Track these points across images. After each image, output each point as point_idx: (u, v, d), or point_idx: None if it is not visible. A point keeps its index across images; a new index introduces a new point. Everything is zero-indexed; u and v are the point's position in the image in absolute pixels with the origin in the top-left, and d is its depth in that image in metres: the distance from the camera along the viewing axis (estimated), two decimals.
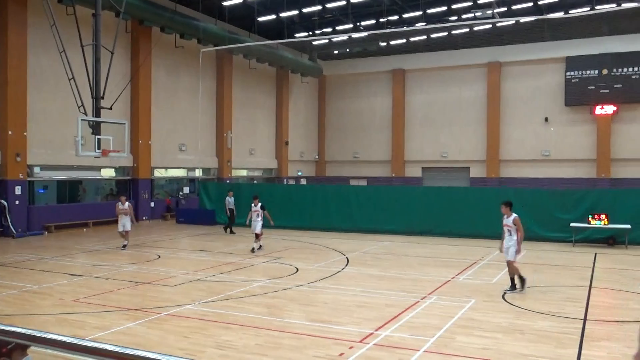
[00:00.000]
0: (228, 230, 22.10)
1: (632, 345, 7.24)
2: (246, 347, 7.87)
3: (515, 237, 11.65)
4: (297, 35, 33.01)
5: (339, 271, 14.08)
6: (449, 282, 12.72)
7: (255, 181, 33.77)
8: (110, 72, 19.45)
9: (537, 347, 7.92)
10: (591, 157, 31.29)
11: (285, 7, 28.72)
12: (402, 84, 35.93)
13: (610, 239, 18.98)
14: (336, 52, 36.72)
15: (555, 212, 19.81)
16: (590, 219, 18.94)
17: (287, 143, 34.86)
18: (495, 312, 9.96)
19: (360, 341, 8.16)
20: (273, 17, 30.23)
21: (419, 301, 10.72)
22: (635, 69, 30.20)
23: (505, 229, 11.88)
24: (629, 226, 18.45)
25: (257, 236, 17.17)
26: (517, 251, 11.60)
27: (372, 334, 8.54)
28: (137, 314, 9.60)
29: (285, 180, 34.60)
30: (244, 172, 33.34)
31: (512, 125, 33.14)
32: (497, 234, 20.08)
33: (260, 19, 30.28)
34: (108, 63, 19.32)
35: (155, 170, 27.55)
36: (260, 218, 17.36)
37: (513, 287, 11.57)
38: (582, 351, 7.80)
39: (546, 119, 32.30)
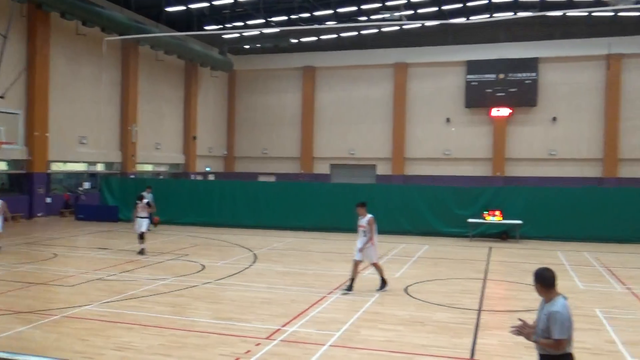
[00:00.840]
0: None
1: None
2: (149, 347, 7.65)
3: (369, 238, 11.45)
4: (207, 28, 32.38)
5: (246, 268, 13.99)
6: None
7: (161, 176, 32.82)
8: (4, 58, 18.15)
9: (436, 338, 8.29)
10: (488, 157, 33.09)
11: None
12: (312, 81, 36.24)
13: (503, 234, 20.15)
14: (247, 47, 36.40)
15: (454, 208, 20.74)
16: (485, 215, 20.02)
17: (195, 138, 34.16)
18: (398, 306, 10.29)
19: (267, 337, 8.16)
20: (182, 8, 29.48)
21: (325, 296, 10.87)
22: (528, 74, 32.24)
23: (360, 229, 11.60)
24: (520, 222, 19.69)
25: (142, 235, 15.60)
26: (362, 250, 11.38)
27: (278, 330, 8.56)
28: (30, 317, 9.05)
29: (192, 175, 33.90)
30: (149, 167, 32.31)
31: (416, 125, 34.36)
32: (401, 230, 20.98)
33: (169, 9, 29.43)
34: (1, 48, 18.02)
35: (52, 164, 26.05)
36: (146, 214, 15.97)
37: (383, 284, 11.55)
38: (477, 340, 8.25)
39: (448, 120, 33.75)
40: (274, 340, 8.06)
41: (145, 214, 15.94)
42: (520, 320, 4.88)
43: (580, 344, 8.04)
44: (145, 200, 16.29)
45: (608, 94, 31.15)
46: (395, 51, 34.45)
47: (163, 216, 22.09)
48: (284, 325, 8.79)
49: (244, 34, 33.12)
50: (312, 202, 22.27)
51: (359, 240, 11.52)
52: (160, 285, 11.70)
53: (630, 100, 30.95)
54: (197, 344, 7.81)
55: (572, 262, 15.52)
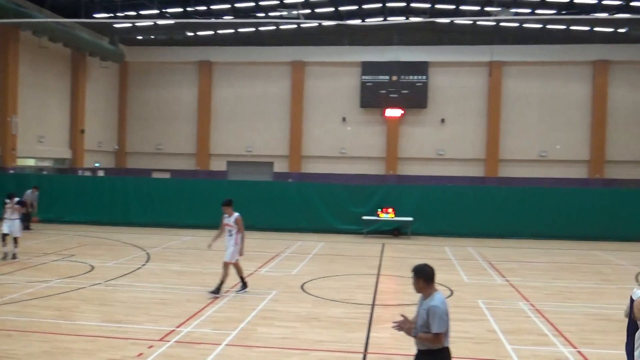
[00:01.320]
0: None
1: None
2: (30, 355, 7.17)
3: (234, 238, 11.20)
4: (96, 15, 30.76)
5: (139, 268, 13.51)
6: (252, 275, 12.93)
7: (45, 172, 30.78)
8: None
9: (331, 333, 8.47)
10: (381, 156, 34.17)
11: None
12: (208, 76, 35.58)
13: (395, 230, 20.94)
14: (140, 37, 35.02)
15: (350, 206, 21.27)
16: (379, 212, 20.71)
17: (83, 131, 32.36)
18: (294, 302, 10.40)
19: (160, 339, 7.94)
20: None
21: (220, 296, 10.75)
22: (419, 77, 33.68)
23: (227, 228, 11.37)
24: (411, 219, 20.57)
25: (15, 240, 14.14)
26: (238, 252, 11.16)
27: (173, 331, 8.36)
28: None
29: (80, 171, 32.12)
30: (32, 162, 30.18)
31: (313, 123, 34.77)
32: (298, 228, 21.20)
33: None
34: None
35: None
36: (17, 216, 14.36)
37: (244, 285, 11.19)
38: (370, 334, 8.53)
39: (344, 119, 34.44)
40: (168, 341, 7.86)
41: (16, 216, 14.28)
42: (402, 316, 5.00)
43: (464, 334, 8.57)
44: (16, 199, 14.55)
45: (490, 98, 33.26)
46: (293, 49, 34.64)
47: (47, 214, 20.78)
48: (178, 326, 8.60)
49: (136, 24, 31.83)
50: (208, 200, 21.86)
51: (226, 240, 11.28)
52: (44, 288, 11.00)
53: (509, 104, 33.26)
54: (85, 349, 7.45)
55: (458, 256, 16.44)
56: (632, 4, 26.87)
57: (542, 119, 33.03)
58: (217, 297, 10.51)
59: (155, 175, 34.41)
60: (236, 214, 11.48)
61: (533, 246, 19.01)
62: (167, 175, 34.35)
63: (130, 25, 32.22)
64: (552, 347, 8.05)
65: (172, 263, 14.26)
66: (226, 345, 7.79)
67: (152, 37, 34.38)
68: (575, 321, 9.42)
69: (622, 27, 29.25)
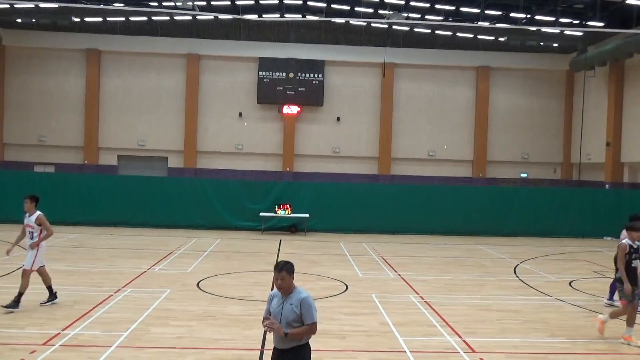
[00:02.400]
0: None
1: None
2: None
3: (37, 241, 9.60)
4: None
5: (19, 268, 12.59)
6: (144, 273, 12.54)
7: None
8: None
9: (228, 331, 8.39)
10: (278, 152, 34.23)
11: None
12: (97, 65, 33.81)
13: (292, 227, 21.10)
14: (20, 20, 32.55)
15: (247, 202, 21.15)
16: (276, 209, 20.77)
17: None
18: (190, 301, 10.19)
19: (44, 343, 7.47)
20: None
21: (111, 295, 10.32)
22: (315, 75, 34.12)
23: (27, 229, 9.68)
24: (307, 215, 20.81)
25: None
26: (42, 257, 9.74)
27: (58, 334, 7.90)
28: None
29: None
30: None
31: (209, 118, 34.14)
32: (193, 225, 20.79)
33: None
34: None
35: None
36: None
37: (52, 296, 9.71)
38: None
39: (240, 114, 34.15)
40: (53, 345, 7.42)
41: None
42: (268, 318, 4.89)
43: (358, 327, 8.82)
44: None
45: (383, 98, 34.37)
46: (188, 41, 33.78)
47: None
48: (64, 329, 8.14)
49: (15, 5, 29.53)
50: (97, 196, 20.95)
51: (28, 244, 9.65)
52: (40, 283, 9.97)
53: (401, 105, 34.57)
54: None
55: (352, 252, 16.86)
56: (511, 14, 28.85)
57: (431, 120, 34.65)
58: (13, 312, 8.97)
59: (38, 169, 32.23)
60: (38, 213, 9.68)
61: (423, 241, 19.88)
62: (51, 169, 32.28)
63: (7, 6, 29.86)
64: (440, 337, 8.49)
65: (56, 262, 13.45)
66: (117, 347, 7.49)
67: (34, 20, 32.07)
68: (460, 312, 9.98)
69: (501, 36, 31.35)
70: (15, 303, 9.18)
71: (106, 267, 13.19)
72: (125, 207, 20.86)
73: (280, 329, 4.73)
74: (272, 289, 11.53)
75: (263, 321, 4.87)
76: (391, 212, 21.53)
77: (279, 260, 5.01)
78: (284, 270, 4.86)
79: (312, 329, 4.83)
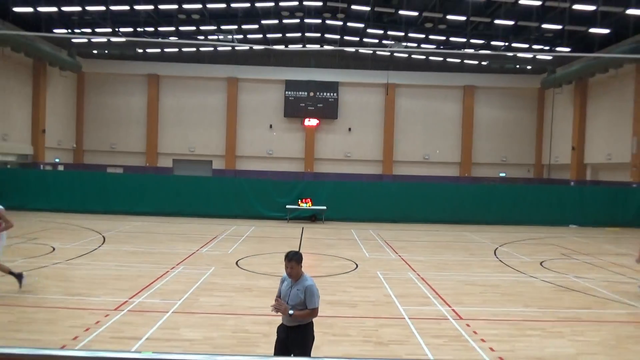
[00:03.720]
0: None
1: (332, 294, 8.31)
2: None
3: None
4: (55, 30, 28.64)
5: (96, 249, 12.80)
6: (194, 254, 12.62)
7: (9, 166, 28.39)
8: None
9: (261, 301, 8.43)
10: (301, 157, 34.27)
11: (44, 2, 24.67)
12: (156, 87, 34.19)
13: (313, 217, 21.12)
14: (95, 52, 33.04)
15: (276, 197, 21.21)
16: (299, 202, 20.80)
17: (43, 131, 30.12)
18: (230, 276, 10.24)
19: (115, 309, 7.59)
20: (30, 9, 25.68)
21: (168, 271, 10.40)
22: (331, 94, 34.05)
23: None
24: (325, 207, 20.80)
25: None
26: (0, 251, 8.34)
27: (126, 302, 8.01)
28: None
29: (42, 165, 29.90)
30: None
31: (245, 129, 34.25)
32: (232, 215, 20.92)
33: (17, 9, 25.43)
34: None
35: None
36: None
37: (19, 277, 8.36)
38: None
39: (271, 126, 34.23)
40: (122, 311, 7.53)
41: None
42: (276, 299, 4.69)
43: (366, 298, 8.80)
44: None
45: (387, 112, 34.21)
46: (228, 67, 33.99)
47: (10, 202, 19.17)
48: (130, 298, 8.25)
49: (92, 39, 29.96)
50: (157, 191, 21.21)
51: None
52: (9, 266, 10.18)
53: (401, 117, 34.39)
54: (47, 319, 6.98)
55: (361, 237, 16.81)
56: (492, 42, 28.55)
57: (426, 129, 34.41)
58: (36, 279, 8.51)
59: (110, 170, 32.72)
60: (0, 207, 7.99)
61: (419, 229, 19.79)
62: (120, 170, 32.74)
63: (86, 40, 30.33)
64: (433, 306, 8.44)
65: (125, 244, 13.63)
66: (173, 312, 7.57)
67: (106, 51, 32.56)
68: (449, 286, 9.91)
69: (484, 61, 31.05)
70: (19, 277, 8.32)
71: (164, 249, 13.31)
72: (179, 201, 21.05)
73: (287, 309, 4.52)
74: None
75: (275, 301, 4.69)
76: (393, 205, 21.45)
77: (290, 250, 4.81)
78: (293, 260, 4.65)
79: (313, 313, 4.59)
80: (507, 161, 34.26)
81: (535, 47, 28.70)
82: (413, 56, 33.28)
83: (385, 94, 33.71)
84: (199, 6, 26.28)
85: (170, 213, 20.85)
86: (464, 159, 34.09)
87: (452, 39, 28.84)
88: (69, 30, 29.08)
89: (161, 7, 26.48)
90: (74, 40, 30.42)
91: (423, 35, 29.24)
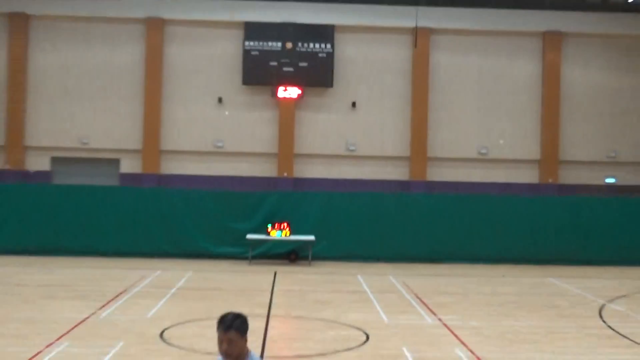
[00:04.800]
0: None
1: None
2: None
3: None
4: None
5: None
6: (87, 320, 12.43)
7: None
8: None
9: None
10: (272, 151, 34.03)
11: None
12: (24, 34, 33.82)
13: (292, 254, 20.99)
14: None
15: (229, 220, 21.07)
16: (269, 229, 20.63)
17: None
18: (150, 358, 10.05)
19: None
20: None
21: (41, 351, 10.18)
22: (322, 45, 34.00)
23: None
24: (312, 237, 20.64)
25: None
26: None
27: None
28: None
29: None
30: None
31: (177, 105, 33.96)
32: (157, 252, 20.65)
33: None
34: None
35: None
36: None
37: None
38: None
39: (220, 100, 34.01)
40: None
41: None
42: None
43: None
44: None
45: (415, 77, 34.06)
46: (148, 1, 33.82)
47: None
48: None
49: None
50: (24, 213, 20.98)
51: None
52: None
53: (439, 86, 34.32)
54: None
55: (375, 288, 16.67)
56: None
57: (482, 105, 34.43)
58: None
59: None
60: None
61: (471, 273, 19.71)
62: None
63: None
64: None
65: None
66: None
67: None
68: None
69: None
70: None
71: (35, 313, 13.07)
72: (62, 228, 20.79)
73: None
74: (264, 341, 11.38)
75: None
76: (428, 233, 21.39)
77: (228, 313, 4.73)
78: (232, 329, 4.62)
79: None
80: (618, 158, 34.42)
81: None
82: None
83: (413, 45, 33.72)
84: None
85: (47, 250, 20.64)
86: (545, 155, 34.18)
87: None
88: None
89: None
90: None
91: None
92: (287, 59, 33.78)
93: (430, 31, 33.95)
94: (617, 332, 12.50)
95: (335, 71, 33.95)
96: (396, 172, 34.18)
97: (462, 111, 34.35)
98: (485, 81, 34.49)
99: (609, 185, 34.08)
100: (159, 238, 20.94)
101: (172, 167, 33.95)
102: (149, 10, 33.79)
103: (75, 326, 11.92)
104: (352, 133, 34.23)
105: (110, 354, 10.19)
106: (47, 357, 9.96)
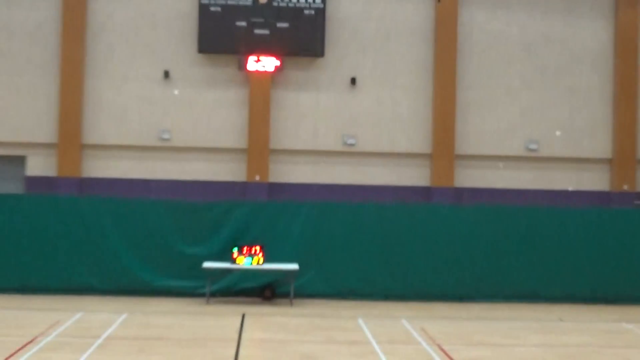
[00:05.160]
0: None
1: None
2: None
3: None
4: None
5: None
6: None
7: None
8: None
9: None
10: (239, 146, 33.94)
11: None
12: None
13: (267, 289, 20.97)
14: None
15: (178, 243, 21.07)
16: (235, 255, 20.56)
17: None
18: None
19: None
20: None
21: None
22: None
23: None
24: (295, 266, 20.59)
25: None
26: None
27: None
28: None
29: None
30: None
31: (107, 82, 33.83)
32: (79, 287, 20.56)
33: None
34: None
35: None
36: None
37: None
38: None
39: (166, 74, 33.95)
40: None
41: None
42: None
43: None
44: None
45: (438, 43, 34.05)
46: None
47: None
48: None
49: None
50: None
51: None
52: None
53: (471, 55, 34.31)
54: None
55: (382, 337, 16.67)
56: None
57: (532, 82, 34.56)
58: None
59: None
60: None
61: (515, 315, 19.81)
62: None
63: None
64: None
65: None
66: None
67: None
68: None
69: None
70: None
71: None
72: None
73: None
74: None
75: None
76: (455, 259, 21.49)
77: None
78: None
79: None
80: None
81: None
82: None
83: (436, 0, 33.87)
84: None
85: None
86: (620, 153, 34.34)
87: None
88: None
89: None
90: None
91: None
92: (260, 18, 33.78)
93: None
94: None
95: (327, 34, 34.00)
96: (412, 176, 34.24)
97: (503, 91, 34.43)
98: (536, 49, 34.61)
99: None
100: (80, 266, 20.90)
101: (99, 167, 33.87)
102: None
103: None
104: (350, 121, 34.25)
105: None
106: None
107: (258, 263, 20.61)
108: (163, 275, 20.98)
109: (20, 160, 34.08)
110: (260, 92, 33.93)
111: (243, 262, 20.60)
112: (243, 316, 18.71)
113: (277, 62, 33.74)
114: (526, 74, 34.55)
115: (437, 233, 21.74)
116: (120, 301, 19.98)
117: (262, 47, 33.76)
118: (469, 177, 34.17)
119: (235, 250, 20.65)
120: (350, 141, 34.17)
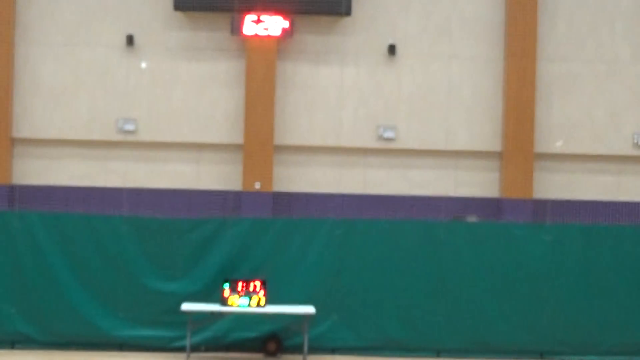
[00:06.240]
0: None
1: None
2: None
3: None
4: None
5: None
6: None
7: None
8: None
9: None
10: (234, 141, 34.16)
11: None
12: None
13: (271, 341, 21.07)
14: None
15: (147, 275, 21.20)
16: (227, 293, 20.68)
17: None
18: None
19: None
20: None
21: None
22: None
23: None
24: (311, 309, 20.69)
25: None
26: None
27: None
28: None
29: None
30: None
31: (45, 50, 34.08)
32: (11, 334, 20.70)
33: None
34: None
35: None
36: None
37: None
38: None
39: (130, 40, 34.17)
40: None
41: None
42: None
43: None
44: None
45: (509, 2, 34.42)
46: None
47: None
48: None
49: None
50: None
51: None
52: None
53: (557, 16, 34.50)
54: None
55: None
56: None
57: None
58: None
59: None
60: None
61: None
62: None
63: None
64: None
65: None
66: None
67: None
68: None
69: None
70: None
71: None
72: None
73: None
74: None
75: None
76: (535, 300, 21.52)
77: None
78: None
79: None
80: None
81: None
82: None
83: None
84: None
85: None
86: None
87: None
88: None
89: None
90: None
91: None
92: None
93: None
94: None
95: None
96: (475, 183, 34.44)
97: (604, 64, 34.53)
98: None
99: None
100: (9, 308, 21.02)
101: (36, 170, 34.15)
102: None
103: None
104: (388, 106, 34.47)
105: None
106: None
107: (258, 305, 20.67)
108: (127, 322, 21.06)
109: None
110: (262, 65, 34.14)
111: (237, 303, 20.69)
112: None
113: (285, 24, 33.95)
114: (638, 40, 34.66)
115: (510, 263, 21.74)
116: (68, 357, 20.08)
117: (264, 2, 33.97)
118: (554, 185, 34.30)
119: (226, 286, 20.75)
120: (388, 134, 34.36)
